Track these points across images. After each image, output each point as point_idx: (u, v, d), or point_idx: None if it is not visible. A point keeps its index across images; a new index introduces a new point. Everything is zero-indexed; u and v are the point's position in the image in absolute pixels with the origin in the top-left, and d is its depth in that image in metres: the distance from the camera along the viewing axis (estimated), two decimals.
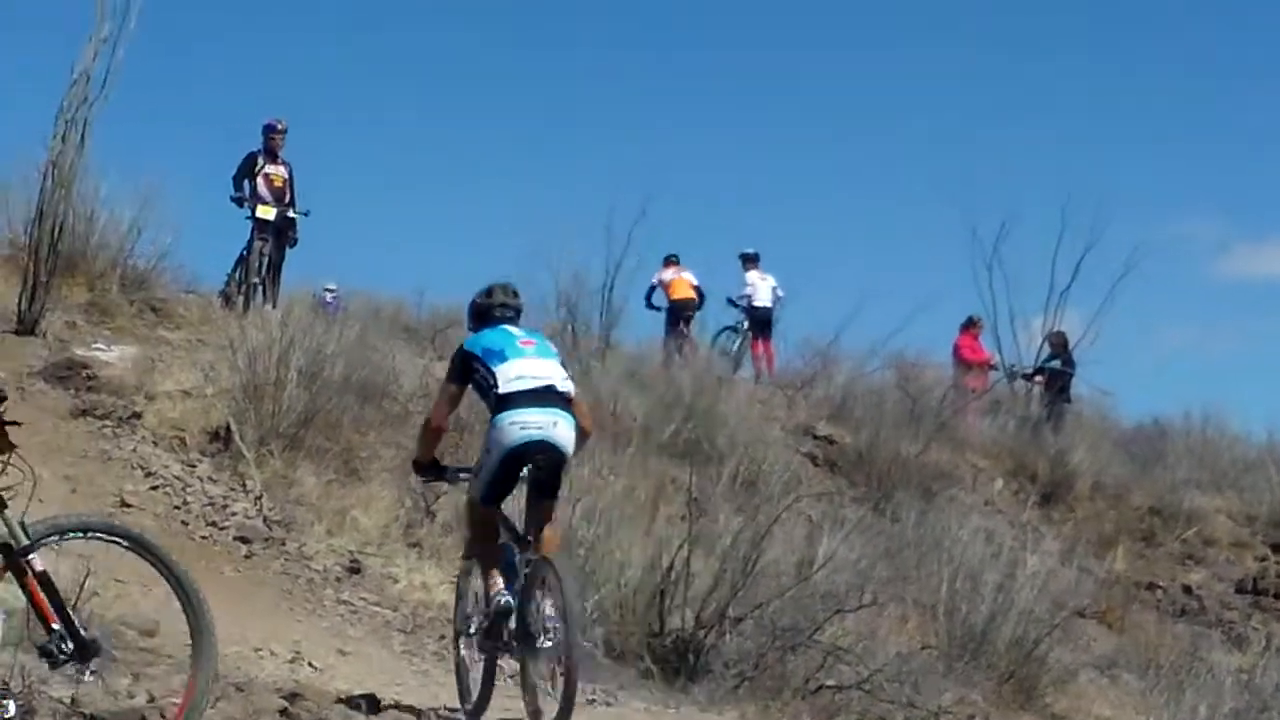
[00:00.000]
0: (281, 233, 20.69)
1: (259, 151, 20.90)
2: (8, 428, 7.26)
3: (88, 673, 7.31)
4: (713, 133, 58.33)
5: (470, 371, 10.05)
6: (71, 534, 7.50)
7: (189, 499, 13.78)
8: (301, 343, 15.44)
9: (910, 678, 13.41)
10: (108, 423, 14.77)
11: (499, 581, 9.73)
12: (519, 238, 62.62)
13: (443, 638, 12.33)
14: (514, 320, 10.26)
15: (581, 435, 10.10)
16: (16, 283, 17.11)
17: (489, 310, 10.27)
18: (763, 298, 27.18)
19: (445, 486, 12.70)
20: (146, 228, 18.94)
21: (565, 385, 9.96)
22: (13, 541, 7.12)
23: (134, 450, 14.36)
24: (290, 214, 20.78)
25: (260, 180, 20.70)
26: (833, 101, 59.81)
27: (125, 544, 7.53)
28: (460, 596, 10.39)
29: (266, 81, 57.25)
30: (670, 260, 27.20)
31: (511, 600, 9.65)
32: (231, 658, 8.71)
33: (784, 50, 60.80)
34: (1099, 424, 27.95)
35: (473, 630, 10.03)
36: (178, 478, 14.18)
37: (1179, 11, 59.88)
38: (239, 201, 20.68)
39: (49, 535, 7.36)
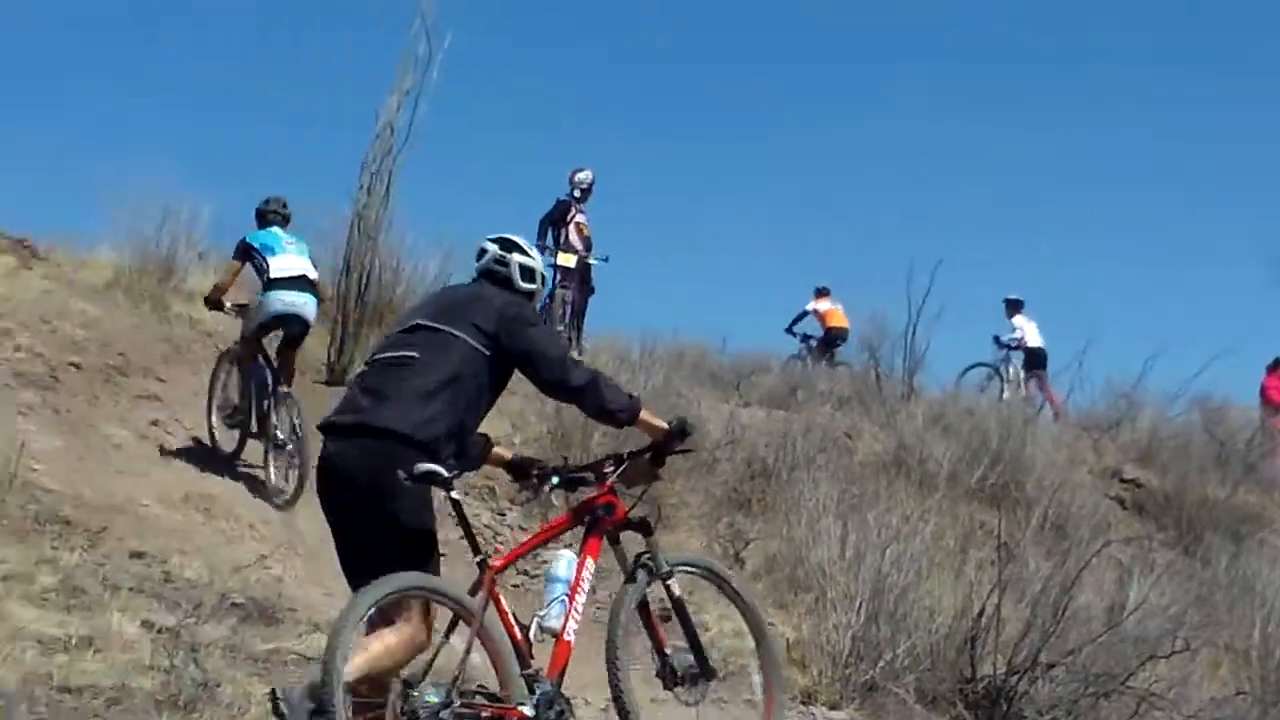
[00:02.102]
0: (584, 279, 20.92)
1: (571, 200, 21.12)
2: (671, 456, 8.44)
3: (699, 695, 8.20)
4: (1011, 176, 58.02)
5: (249, 255, 14.89)
6: (690, 567, 8.73)
7: (500, 547, 13.92)
8: None
9: None
10: None
11: (250, 382, 14.89)
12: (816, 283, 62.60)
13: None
14: (283, 225, 15.18)
15: (320, 303, 15.25)
16: (325, 334, 17.57)
17: (265, 214, 15.25)
18: (1033, 338, 27.04)
19: (753, 535, 15.29)
20: (452, 277, 19.18)
21: (313, 274, 14.94)
22: (653, 564, 8.13)
23: (444, 499, 14.54)
24: (590, 260, 21.01)
25: (571, 228, 20.94)
26: (1132, 143, 59.23)
27: (721, 586, 8.84)
28: (215, 380, 15.33)
29: (558, 132, 58.04)
30: (822, 292, 28.08)
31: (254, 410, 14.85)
32: None
33: (1090, 93, 60.28)
34: None
35: (223, 407, 15.17)
36: (488, 526, 14.41)
37: None
38: (540, 249, 20.96)
39: (680, 565, 8.49)
